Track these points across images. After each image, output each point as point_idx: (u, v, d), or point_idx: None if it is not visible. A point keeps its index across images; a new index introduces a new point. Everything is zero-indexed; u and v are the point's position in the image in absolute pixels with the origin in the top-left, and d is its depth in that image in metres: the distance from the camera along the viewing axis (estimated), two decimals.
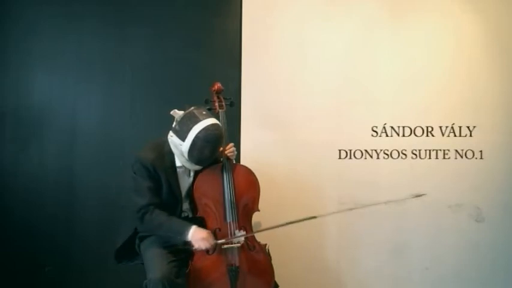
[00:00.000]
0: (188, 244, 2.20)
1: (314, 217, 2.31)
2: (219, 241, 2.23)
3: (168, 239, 2.26)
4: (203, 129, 2.18)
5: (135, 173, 2.27)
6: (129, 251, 2.38)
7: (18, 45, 3.01)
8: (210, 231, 2.23)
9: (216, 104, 2.52)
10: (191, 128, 2.19)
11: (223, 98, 2.55)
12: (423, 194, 2.64)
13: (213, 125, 2.21)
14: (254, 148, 3.01)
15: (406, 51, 3.08)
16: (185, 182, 2.38)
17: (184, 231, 2.18)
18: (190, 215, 2.42)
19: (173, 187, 2.31)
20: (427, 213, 3.05)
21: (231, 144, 2.45)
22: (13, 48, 3.01)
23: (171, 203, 2.31)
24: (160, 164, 2.27)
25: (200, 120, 2.20)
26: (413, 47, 3.08)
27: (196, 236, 2.17)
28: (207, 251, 2.25)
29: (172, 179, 2.31)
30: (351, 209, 2.54)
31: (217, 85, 2.56)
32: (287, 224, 2.31)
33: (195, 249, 2.20)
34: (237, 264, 2.28)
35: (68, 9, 3.03)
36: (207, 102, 2.54)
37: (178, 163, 2.33)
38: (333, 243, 3.07)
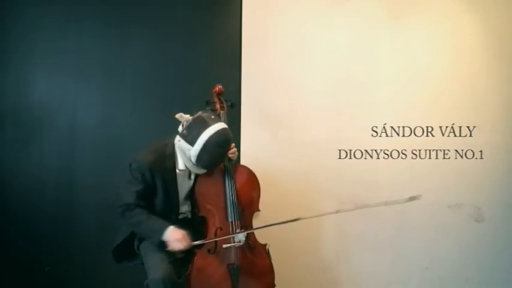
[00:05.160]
0: (164, 244, 2.15)
1: (297, 219, 2.27)
2: (195, 242, 2.18)
3: (146, 238, 2.25)
4: (214, 133, 2.16)
5: (130, 172, 2.26)
6: (128, 252, 2.38)
7: (18, 44, 3.01)
8: (186, 233, 2.15)
9: (218, 105, 2.55)
10: (201, 133, 2.17)
11: (224, 100, 2.58)
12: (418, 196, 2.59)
13: (223, 129, 2.21)
14: (254, 148, 3.01)
15: (406, 51, 3.08)
16: (185, 185, 2.37)
17: (161, 231, 2.14)
18: (190, 216, 2.41)
19: (170, 191, 2.29)
20: (427, 213, 3.06)
21: (232, 145, 2.44)
22: (13, 47, 3.01)
23: (166, 206, 2.30)
24: (159, 167, 2.24)
25: (210, 125, 2.18)
26: (413, 47, 3.08)
27: (172, 237, 2.13)
28: (207, 250, 2.26)
29: (170, 182, 2.29)
30: (337, 212, 2.52)
31: (218, 87, 2.59)
32: (270, 225, 2.28)
33: (172, 250, 2.15)
34: (238, 263, 2.29)
35: (67, 9, 3.03)
36: (208, 104, 2.57)
37: (180, 166, 2.30)
38: (333, 243, 3.07)
